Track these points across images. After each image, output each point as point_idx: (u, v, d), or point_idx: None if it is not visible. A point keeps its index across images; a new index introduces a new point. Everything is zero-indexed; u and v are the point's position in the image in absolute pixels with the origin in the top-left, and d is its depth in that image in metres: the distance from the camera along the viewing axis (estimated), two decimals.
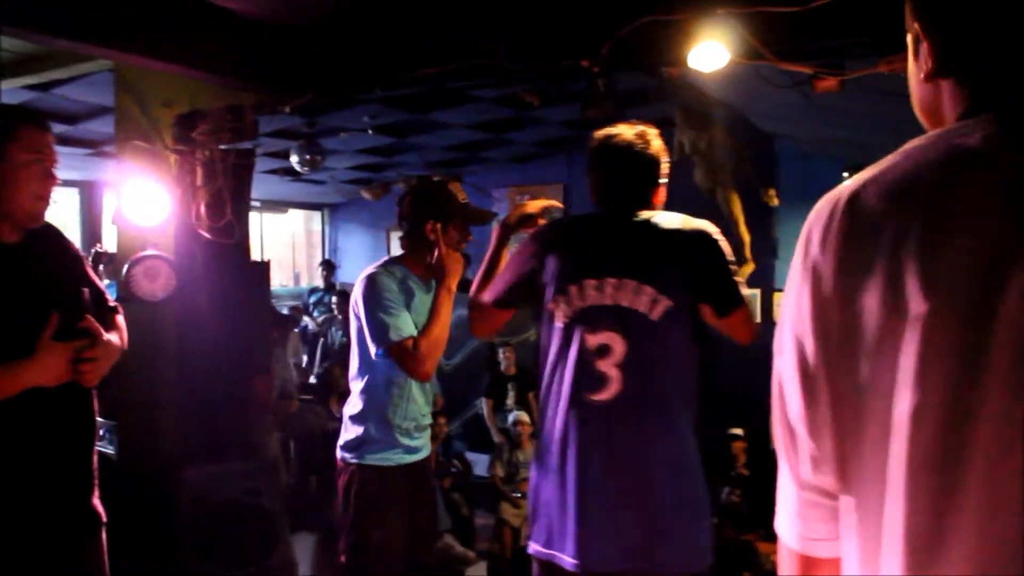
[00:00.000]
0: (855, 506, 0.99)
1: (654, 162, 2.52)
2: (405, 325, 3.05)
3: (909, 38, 1.15)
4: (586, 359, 2.30)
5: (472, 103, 7.00)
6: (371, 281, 3.12)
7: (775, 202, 7.96)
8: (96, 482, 2.48)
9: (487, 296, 2.61)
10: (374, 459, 3.23)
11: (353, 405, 3.31)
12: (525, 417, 7.45)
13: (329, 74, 4.64)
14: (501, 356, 8.32)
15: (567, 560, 2.31)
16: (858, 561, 0.99)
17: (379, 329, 3.02)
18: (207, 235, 4.70)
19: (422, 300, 3.23)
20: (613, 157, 2.51)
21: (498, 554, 6.78)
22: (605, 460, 2.29)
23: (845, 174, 7.57)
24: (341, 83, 4.70)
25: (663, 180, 2.55)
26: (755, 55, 3.52)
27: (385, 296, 3.07)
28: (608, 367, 2.28)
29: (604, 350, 2.29)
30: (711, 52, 3.49)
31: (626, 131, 2.54)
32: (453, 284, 3.18)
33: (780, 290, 8.58)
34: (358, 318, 3.13)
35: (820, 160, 8.30)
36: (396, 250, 3.45)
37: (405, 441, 3.29)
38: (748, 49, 3.50)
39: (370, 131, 7.58)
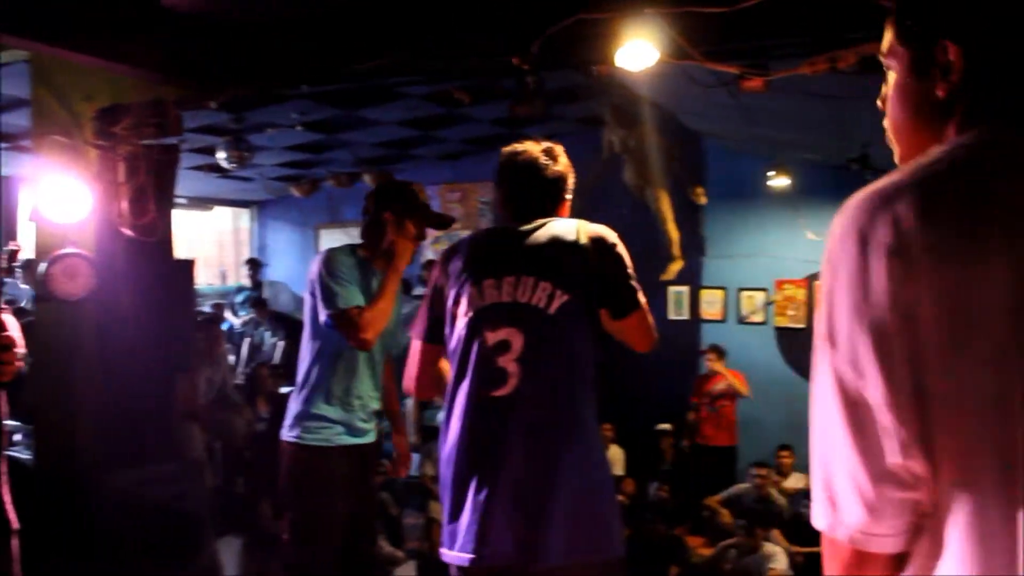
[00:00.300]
0: (955, 495, 1.00)
1: (560, 178, 2.57)
2: (353, 296, 3.24)
3: (903, 58, 1.18)
4: (486, 356, 2.34)
5: (402, 100, 6.96)
6: (328, 255, 3.36)
7: (703, 200, 8.10)
8: (5, 488, 2.40)
9: (414, 335, 2.60)
10: (314, 439, 3.33)
11: (299, 383, 3.42)
12: None
13: (256, 69, 4.56)
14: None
15: (464, 557, 2.35)
16: (958, 551, 1.00)
17: (329, 297, 3.22)
18: (129, 233, 4.58)
19: (374, 285, 3.40)
20: (520, 173, 2.55)
21: (427, 554, 6.76)
22: (504, 455, 2.30)
23: (771, 173, 7.70)
24: (268, 79, 4.62)
25: (568, 196, 2.61)
26: (683, 55, 3.56)
27: (339, 269, 3.28)
28: (507, 362, 2.32)
29: (503, 346, 2.32)
30: (639, 51, 3.52)
31: (532, 148, 2.58)
32: (401, 265, 3.42)
33: (707, 287, 8.72)
34: (312, 295, 3.31)
35: (747, 158, 8.45)
36: (325, 247, 3.57)
37: (349, 420, 3.39)
38: (676, 49, 3.54)
39: (299, 127, 7.49)
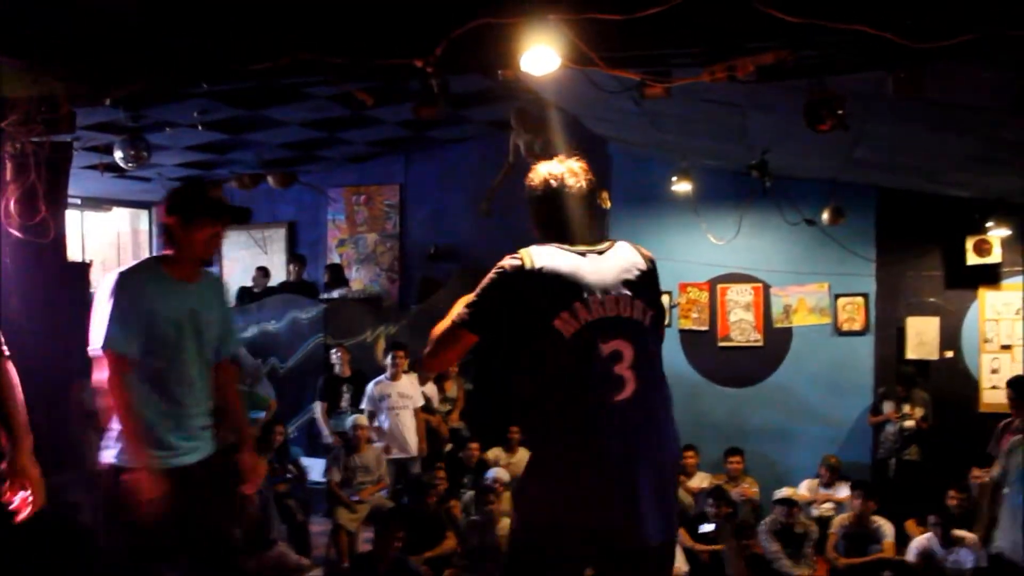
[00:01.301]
0: None
1: (591, 199, 2.77)
2: (123, 341, 3.12)
3: None
4: (603, 364, 2.56)
5: (307, 100, 6.88)
6: (122, 278, 3.20)
7: (607, 204, 8.19)
8: None
9: (461, 322, 2.67)
10: (124, 459, 3.14)
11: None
12: (363, 420, 7.37)
13: (154, 65, 4.44)
14: (335, 358, 8.21)
15: (619, 535, 2.59)
16: None
17: (100, 329, 3.10)
18: (18, 234, 4.42)
19: (169, 294, 3.25)
20: (559, 202, 2.71)
21: (335, 560, 6.68)
22: (632, 451, 2.56)
23: (674, 178, 7.85)
24: (166, 75, 4.51)
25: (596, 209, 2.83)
26: (585, 61, 3.61)
27: (124, 299, 3.15)
28: (623, 370, 2.56)
29: (616, 355, 2.56)
30: (542, 56, 3.54)
31: (565, 172, 2.73)
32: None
33: None
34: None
35: (651, 164, 8.59)
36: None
37: (164, 439, 3.20)
38: (579, 55, 3.58)
39: (200, 127, 7.32)
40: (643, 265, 2.69)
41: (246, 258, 10.83)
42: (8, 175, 4.37)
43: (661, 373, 2.67)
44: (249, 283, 10.25)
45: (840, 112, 4.01)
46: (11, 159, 4.36)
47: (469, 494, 7.34)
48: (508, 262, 2.63)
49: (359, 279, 10.44)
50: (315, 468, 7.81)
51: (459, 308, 2.67)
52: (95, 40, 4.31)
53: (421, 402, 7.78)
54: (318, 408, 8.10)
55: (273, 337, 9.14)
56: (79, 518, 4.52)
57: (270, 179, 9.63)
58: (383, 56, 3.99)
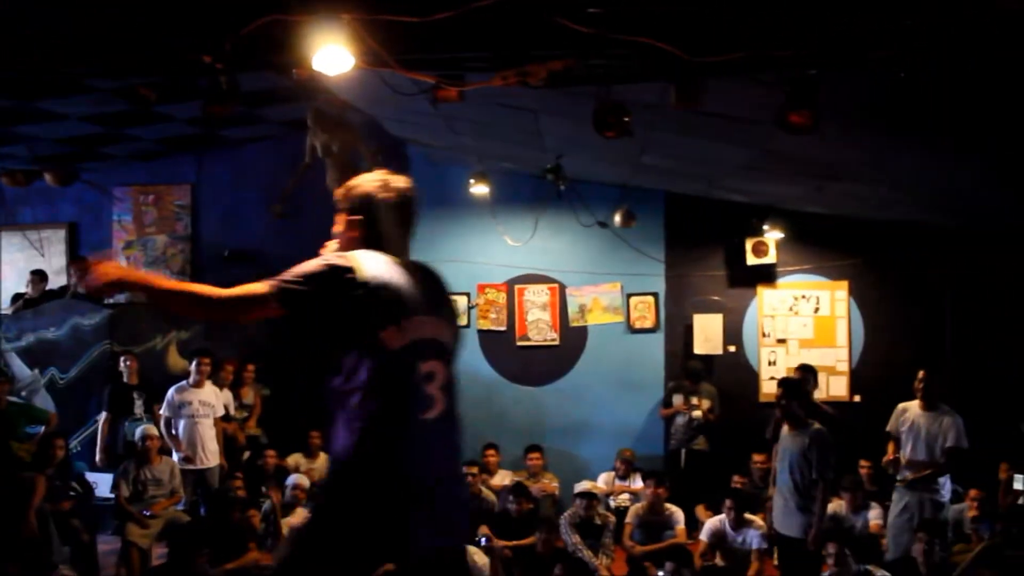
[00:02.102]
0: None
1: (415, 212, 2.81)
2: None
3: None
4: (418, 383, 2.60)
5: (88, 93, 6.48)
6: None
7: None
8: None
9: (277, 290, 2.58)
10: None
11: None
12: (153, 430, 7.02)
13: None
14: (123, 366, 7.78)
15: (437, 542, 2.63)
16: None
17: None
18: None
19: None
20: (399, 213, 2.73)
21: None
22: (433, 467, 2.62)
23: (471, 180, 7.93)
24: None
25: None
26: (379, 62, 3.59)
27: None
28: (433, 389, 2.61)
29: (430, 376, 2.61)
30: (335, 56, 3.50)
31: (399, 183, 2.76)
32: None
33: None
34: None
35: (449, 166, 8.66)
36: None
37: None
38: (373, 55, 3.56)
39: None
40: (446, 287, 2.78)
41: (21, 261, 10.09)
42: None
43: (458, 394, 2.75)
44: (24, 288, 9.55)
45: (625, 120, 4.18)
46: None
47: (268, 502, 7.15)
48: (337, 261, 2.59)
49: None
50: (103, 483, 7.36)
51: (266, 281, 2.57)
52: None
53: (222, 411, 7.52)
54: (101, 420, 7.65)
55: (52, 345, 8.56)
56: None
57: (47, 176, 8.99)
58: (169, 50, 3.82)
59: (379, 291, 2.56)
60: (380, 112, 6.93)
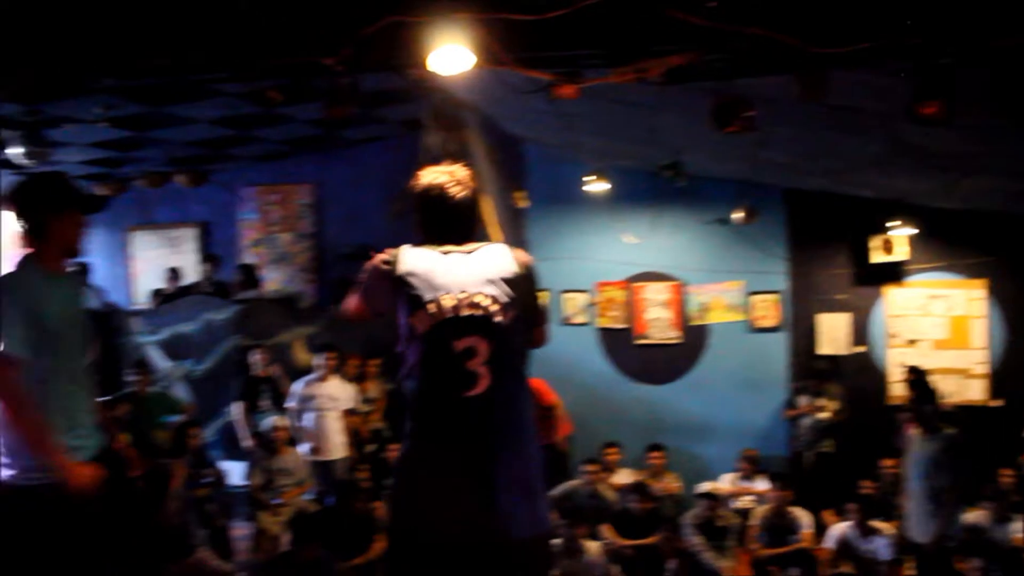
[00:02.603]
0: None
1: (472, 205, 2.83)
2: (18, 342, 3.05)
3: None
4: (455, 361, 2.62)
5: (216, 97, 6.71)
6: (6, 281, 3.15)
7: (524, 204, 8.20)
8: None
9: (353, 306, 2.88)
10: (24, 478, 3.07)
11: None
12: (282, 422, 7.25)
13: (52, 58, 4.27)
14: (254, 359, 8.04)
15: (459, 534, 2.63)
16: None
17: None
18: None
19: (52, 291, 3.19)
20: (437, 206, 2.79)
21: (258, 564, 6.54)
22: (486, 446, 2.63)
23: (589, 177, 7.88)
24: (65, 69, 4.33)
25: (478, 216, 2.89)
26: (496, 60, 3.59)
27: (16, 301, 3.08)
28: (476, 365, 2.61)
29: (470, 352, 2.61)
30: (453, 55, 3.52)
31: (444, 178, 2.80)
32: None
33: None
34: None
35: (567, 164, 8.62)
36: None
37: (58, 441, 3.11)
38: (490, 54, 3.56)
39: (103, 123, 7.09)
40: (512, 268, 2.74)
41: (156, 258, 10.55)
42: None
43: (520, 371, 2.73)
44: (159, 284, 9.99)
45: (747, 114, 4.06)
46: None
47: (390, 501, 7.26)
48: (379, 258, 2.74)
49: (274, 280, 10.25)
50: (235, 471, 7.63)
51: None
52: None
53: (348, 405, 7.69)
54: (237, 409, 7.92)
55: (187, 339, 8.90)
56: None
57: (180, 178, 9.39)
58: (292, 54, 3.91)
59: (410, 279, 2.66)
60: (497, 110, 6.95)
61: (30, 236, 3.19)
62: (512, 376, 2.68)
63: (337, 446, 7.53)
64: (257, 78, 4.80)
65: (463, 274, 2.68)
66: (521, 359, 2.75)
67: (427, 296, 2.65)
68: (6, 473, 3.04)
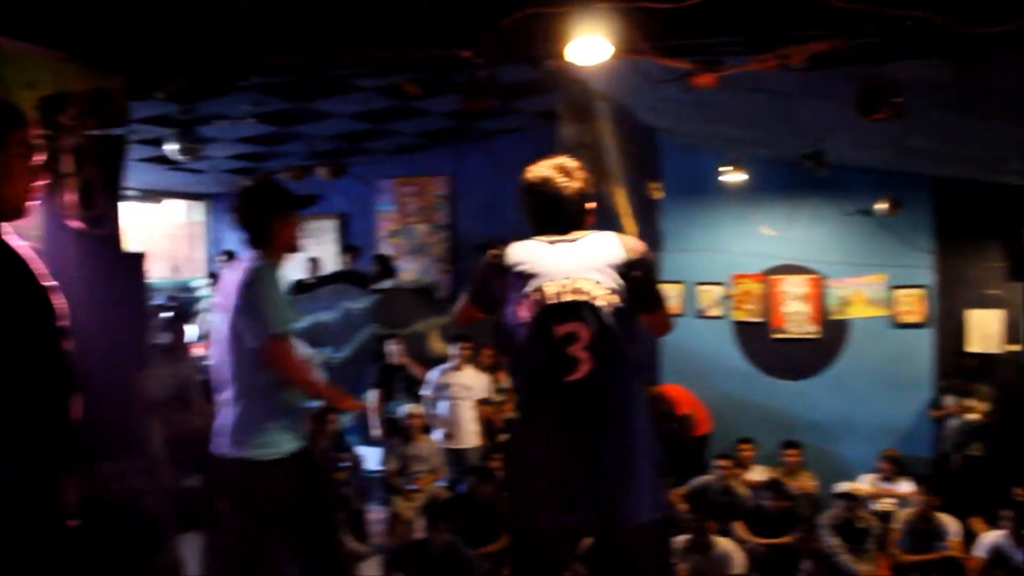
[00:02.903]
0: None
1: (580, 197, 2.85)
2: (289, 320, 3.40)
3: None
4: (556, 347, 2.65)
5: (355, 92, 6.90)
6: (260, 273, 3.38)
7: (659, 195, 8.13)
8: None
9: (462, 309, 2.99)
10: (266, 453, 3.42)
11: (233, 397, 3.42)
12: (417, 409, 7.42)
13: (204, 59, 4.49)
14: (391, 348, 8.25)
15: (564, 519, 2.67)
16: None
17: (270, 318, 3.32)
18: (77, 225, 4.50)
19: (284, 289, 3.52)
20: (544, 198, 2.84)
21: (392, 548, 6.72)
22: (589, 430, 2.64)
23: (726, 168, 7.75)
24: (216, 69, 4.56)
25: (589, 207, 2.89)
26: (634, 50, 3.57)
27: (275, 289, 3.40)
28: (577, 351, 2.63)
29: (571, 337, 2.64)
30: (590, 46, 3.52)
31: (551, 171, 2.86)
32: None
33: (665, 281, 8.75)
34: (242, 312, 3.34)
35: (702, 154, 8.49)
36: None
37: (295, 425, 3.53)
38: (627, 44, 3.54)
39: (250, 119, 7.40)
40: (620, 255, 2.74)
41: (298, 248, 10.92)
42: (67, 168, 4.44)
43: (624, 356, 2.71)
44: (300, 274, 10.35)
45: (895, 100, 3.91)
46: (69, 152, 4.43)
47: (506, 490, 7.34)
48: (489, 254, 2.84)
49: (411, 270, 10.48)
50: (371, 457, 7.86)
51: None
52: (147, 34, 4.37)
53: (482, 394, 7.81)
54: (373, 397, 8.15)
55: (326, 327, 9.20)
56: (144, 502, 4.60)
57: (320, 171, 9.70)
58: (430, 47, 3.99)
59: (517, 269, 2.73)
60: (632, 100, 6.90)
61: (255, 239, 3.47)
62: (615, 361, 2.68)
63: (470, 434, 7.65)
64: (396, 72, 4.92)
65: (568, 262, 2.71)
66: (627, 345, 2.73)
67: (531, 284, 2.69)
68: (243, 451, 3.39)
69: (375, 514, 7.34)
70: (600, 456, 2.62)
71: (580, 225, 2.84)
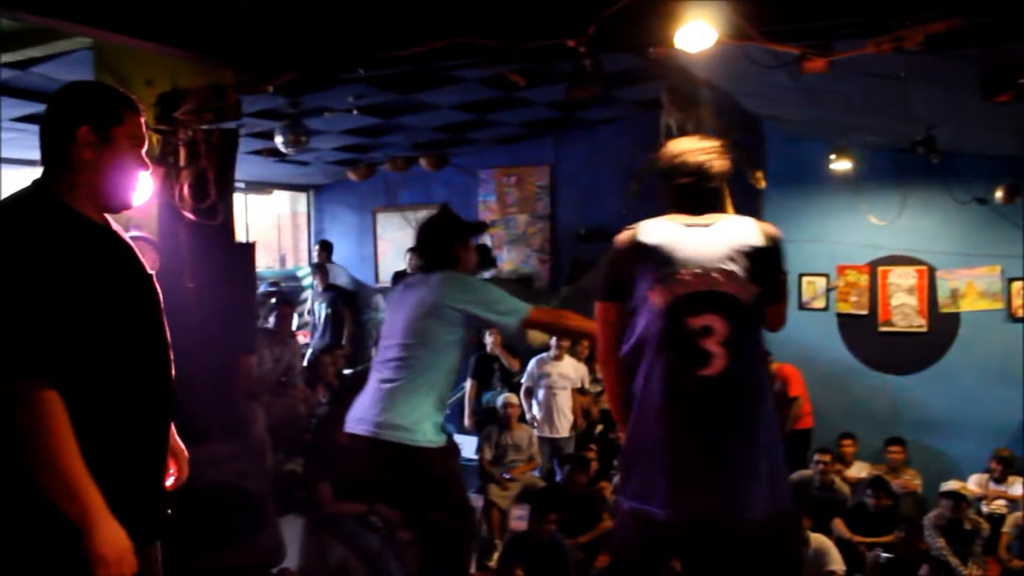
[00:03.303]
0: None
1: (722, 177, 2.79)
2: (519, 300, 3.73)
3: None
4: (689, 339, 2.59)
5: (457, 84, 6.96)
6: (465, 277, 3.76)
7: (762, 184, 7.96)
8: None
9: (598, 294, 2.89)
10: (443, 440, 3.70)
11: (421, 390, 3.65)
12: (514, 399, 7.46)
13: (311, 53, 4.59)
14: (488, 337, 8.31)
15: (684, 512, 2.62)
16: None
17: (509, 305, 3.67)
18: (191, 216, 4.66)
19: None
20: (685, 176, 2.75)
21: (486, 536, 6.79)
22: (720, 425, 2.60)
23: (832, 156, 7.56)
24: (323, 63, 4.65)
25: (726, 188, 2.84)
26: (742, 35, 3.50)
27: (487, 284, 3.85)
28: (712, 345, 2.56)
29: (707, 330, 2.57)
30: (698, 32, 3.47)
31: (696, 148, 2.77)
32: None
33: None
34: (461, 312, 3.63)
35: (808, 142, 8.30)
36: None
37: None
38: (735, 29, 3.48)
39: (355, 111, 7.53)
40: (757, 242, 2.64)
41: (399, 239, 11.09)
42: (182, 161, 4.60)
43: (758, 351, 2.68)
44: (401, 266, 10.49)
45: (1021, 82, 3.75)
46: (184, 146, 4.59)
47: (619, 477, 7.31)
48: (623, 234, 2.75)
49: (510, 260, 10.53)
50: (467, 445, 7.94)
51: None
52: (258, 30, 4.49)
53: (579, 384, 7.83)
54: (467, 386, 8.23)
55: None
56: (247, 484, 4.74)
57: (422, 162, 9.81)
58: (535, 37, 3.99)
59: (649, 251, 2.65)
60: (736, 87, 6.78)
61: (438, 262, 3.80)
62: (748, 356, 2.61)
63: (566, 424, 7.66)
64: (500, 63, 4.95)
65: (706, 248, 2.63)
66: (759, 338, 2.69)
67: (667, 270, 2.61)
68: (414, 437, 3.57)
69: (471, 502, 7.40)
70: (728, 451, 2.57)
71: (719, 207, 2.77)
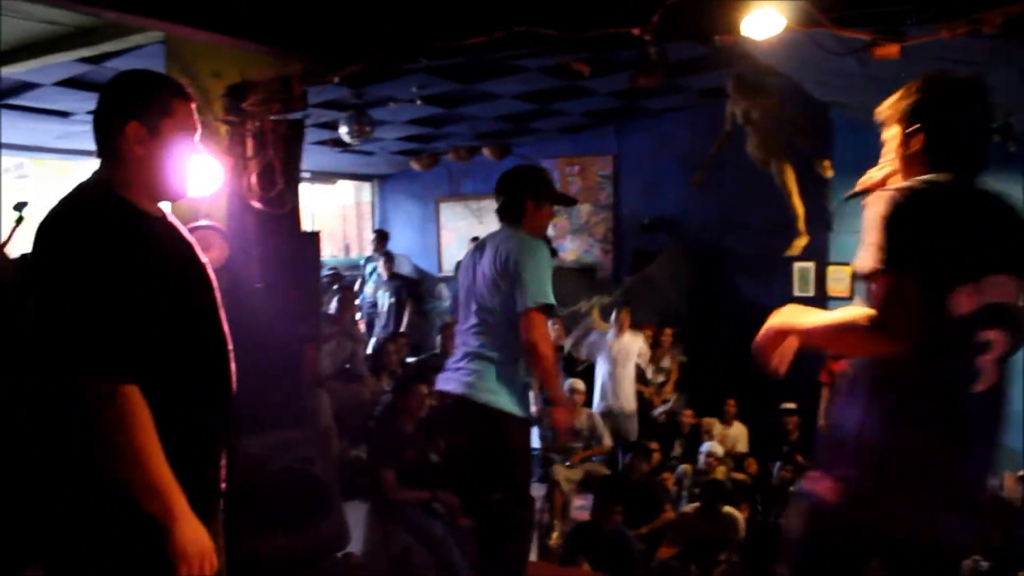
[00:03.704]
0: None
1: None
2: (549, 294, 3.65)
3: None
4: (973, 354, 2.15)
5: (519, 73, 6.95)
6: (532, 245, 3.65)
7: (829, 173, 7.82)
8: None
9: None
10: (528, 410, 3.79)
11: (503, 360, 3.68)
12: (580, 385, 7.47)
13: (376, 44, 4.62)
14: (550, 328, 8.31)
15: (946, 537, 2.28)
16: None
17: (534, 289, 3.56)
18: (258, 206, 4.73)
19: None
20: (976, 109, 2.26)
21: (548, 524, 6.78)
22: (977, 449, 2.26)
23: None
24: (387, 53, 4.68)
25: None
26: (812, 21, 3.44)
27: (543, 262, 3.66)
28: (986, 361, 2.15)
29: (986, 346, 2.15)
30: (766, 19, 3.42)
31: (971, 79, 2.27)
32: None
33: (834, 263, 8.44)
34: (510, 279, 3.59)
35: (876, 130, 8.09)
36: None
37: None
38: (804, 15, 3.42)
39: (418, 101, 7.57)
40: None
41: (462, 229, 11.13)
42: (249, 151, 4.67)
43: (1010, 368, 2.25)
44: (464, 254, 10.52)
45: None
46: (252, 136, 4.66)
47: (682, 468, 7.27)
48: (913, 185, 2.14)
49: (573, 249, 10.51)
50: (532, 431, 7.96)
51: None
52: (323, 22, 4.54)
53: (639, 358, 7.89)
54: None
55: None
56: (313, 470, 4.81)
57: (485, 151, 9.83)
58: (599, 26, 3.96)
59: (964, 229, 2.09)
60: (802, 75, 6.65)
61: (509, 216, 3.77)
62: (1007, 373, 2.23)
63: (629, 397, 7.71)
64: (563, 52, 4.93)
65: (1007, 243, 2.18)
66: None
67: (983, 268, 2.12)
68: (499, 401, 3.63)
69: (534, 489, 7.42)
70: (983, 475, 2.33)
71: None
